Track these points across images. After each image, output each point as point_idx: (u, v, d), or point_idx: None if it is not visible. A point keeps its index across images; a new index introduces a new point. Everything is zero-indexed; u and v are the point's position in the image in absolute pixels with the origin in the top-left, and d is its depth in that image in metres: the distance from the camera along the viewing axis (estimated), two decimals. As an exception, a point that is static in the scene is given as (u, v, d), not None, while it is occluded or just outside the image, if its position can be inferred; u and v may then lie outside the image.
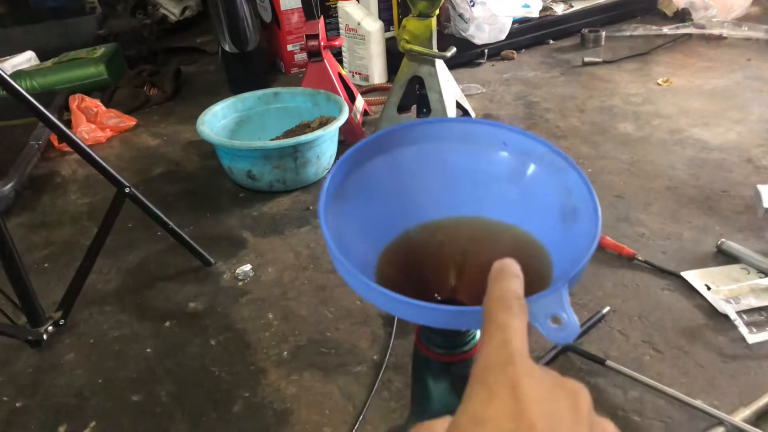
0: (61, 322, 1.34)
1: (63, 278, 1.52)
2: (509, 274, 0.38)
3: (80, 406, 1.17)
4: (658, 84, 2.37)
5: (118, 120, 2.31)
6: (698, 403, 1.02)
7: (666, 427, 1.02)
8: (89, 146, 2.14)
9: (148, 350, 1.29)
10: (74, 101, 2.25)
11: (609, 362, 1.13)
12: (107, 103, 2.41)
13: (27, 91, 1.18)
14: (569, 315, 0.42)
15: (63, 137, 1.25)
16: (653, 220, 1.56)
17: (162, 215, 1.43)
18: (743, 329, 1.18)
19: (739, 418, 0.98)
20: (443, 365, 0.61)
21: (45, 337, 1.27)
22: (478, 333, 0.61)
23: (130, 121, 2.34)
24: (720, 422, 0.98)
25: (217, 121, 1.90)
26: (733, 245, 1.38)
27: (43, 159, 2.16)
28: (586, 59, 2.58)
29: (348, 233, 0.56)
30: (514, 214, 0.60)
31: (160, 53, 3.04)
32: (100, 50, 2.67)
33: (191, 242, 1.50)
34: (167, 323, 1.36)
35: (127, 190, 1.32)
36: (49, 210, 1.87)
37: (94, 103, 2.29)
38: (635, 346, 1.19)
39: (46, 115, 1.20)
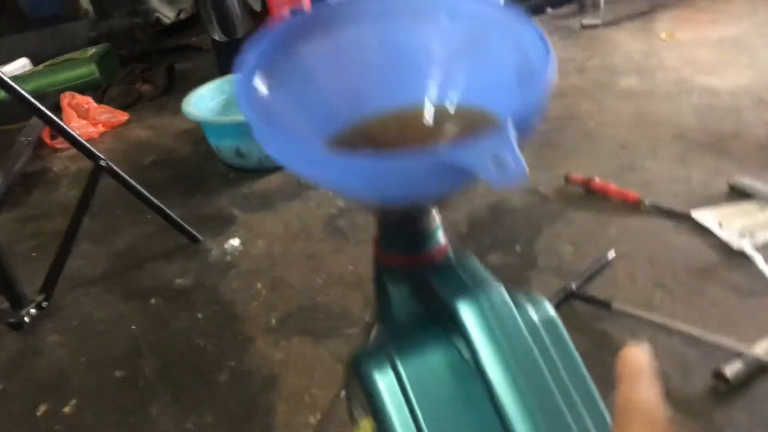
0: (44, 304, 1.29)
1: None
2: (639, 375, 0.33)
3: (61, 385, 1.12)
4: (662, 40, 2.27)
5: (110, 115, 2.28)
6: (715, 336, 0.93)
7: (680, 365, 0.94)
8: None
9: (132, 327, 1.24)
10: (65, 99, 2.23)
11: (615, 305, 1.05)
12: (99, 101, 2.38)
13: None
14: (514, 156, 0.35)
15: (37, 113, 1.20)
16: (660, 166, 1.47)
17: (143, 190, 1.38)
18: (761, 264, 1.09)
19: (760, 349, 0.90)
20: (403, 270, 0.54)
21: (27, 320, 1.23)
22: (440, 231, 0.54)
23: (122, 116, 2.31)
24: (739, 354, 0.90)
25: (204, 103, 1.86)
26: (746, 181, 1.29)
27: (36, 157, 2.13)
28: (585, 22, 2.50)
29: (282, 118, 0.49)
30: (470, 91, 0.53)
31: (153, 53, 3.01)
32: (92, 51, 2.65)
33: (176, 219, 1.45)
34: (153, 300, 1.31)
35: (102, 163, 1.28)
36: (39, 203, 1.83)
37: (86, 100, 2.26)
38: (644, 289, 1.11)
39: (26, 98, 1.16)
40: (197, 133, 2.10)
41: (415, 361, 0.52)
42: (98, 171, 1.27)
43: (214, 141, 1.76)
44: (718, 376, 0.88)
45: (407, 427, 0.50)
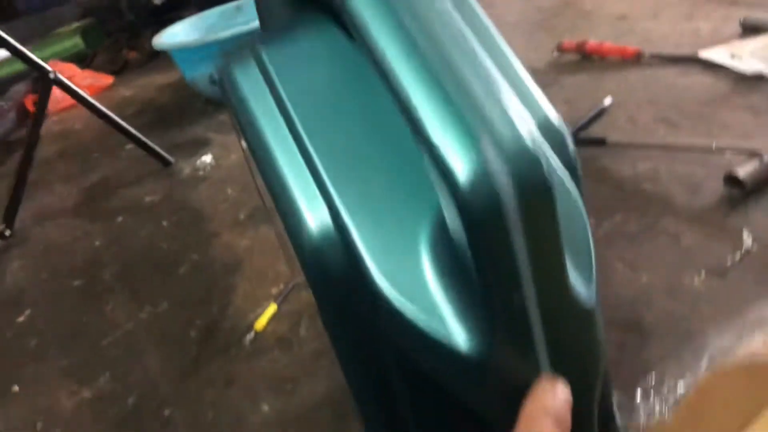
0: (7, 233, 1.22)
1: (21, 209, 1.40)
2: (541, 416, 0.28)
3: (17, 299, 1.04)
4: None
5: (93, 80, 2.22)
6: (725, 141, 0.79)
7: (688, 184, 0.80)
8: (65, 108, 2.08)
9: (96, 243, 1.15)
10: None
11: (611, 139, 0.91)
12: (84, 68, 2.33)
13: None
14: None
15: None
16: (663, 25, 1.32)
17: (101, 107, 1.30)
18: (780, 81, 0.94)
19: (779, 149, 0.76)
20: None
21: (-14, 246, 1.15)
22: None
23: (107, 80, 2.25)
24: (754, 155, 0.76)
25: (176, 39, 1.77)
26: (759, 16, 1.14)
27: (22, 126, 2.08)
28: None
29: None
30: None
31: (140, 26, 2.96)
32: (76, 25, 2.61)
33: (146, 141, 1.36)
34: (120, 218, 1.22)
35: (51, 75, 1.20)
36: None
37: (69, 67, 2.21)
38: (646, 127, 0.97)
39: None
40: (179, 83, 2.02)
41: (285, 50, 0.41)
42: (47, 82, 1.19)
43: (188, 73, 1.67)
44: (731, 180, 0.74)
45: (276, 130, 0.39)
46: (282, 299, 0.82)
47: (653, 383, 0.44)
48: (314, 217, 0.34)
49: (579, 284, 0.31)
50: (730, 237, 0.69)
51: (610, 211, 0.80)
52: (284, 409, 0.65)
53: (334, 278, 0.34)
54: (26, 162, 1.20)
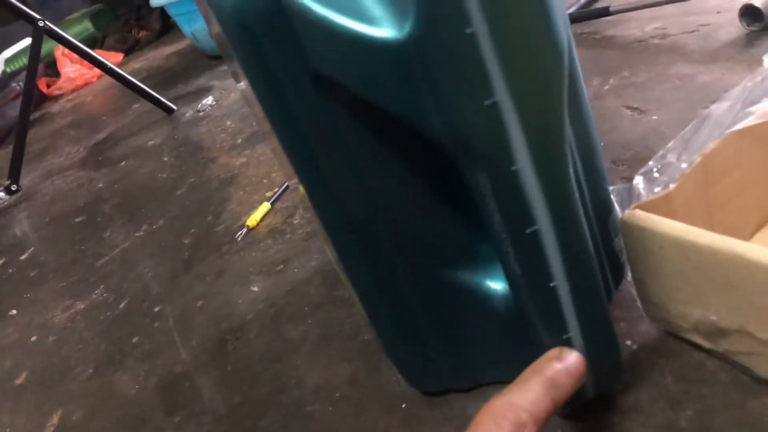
0: (14, 187, 1.21)
1: (32, 170, 1.40)
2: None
3: (22, 241, 1.03)
4: None
5: (104, 58, 2.22)
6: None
7: (700, 35, 0.73)
8: (80, 87, 2.08)
9: (99, 185, 1.14)
10: (59, 49, 2.19)
11: (614, 7, 0.84)
12: (95, 48, 2.33)
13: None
14: None
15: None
16: None
17: (105, 61, 1.29)
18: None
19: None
20: None
21: (-6, 200, 1.15)
22: None
23: (117, 57, 2.26)
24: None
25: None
26: None
27: (38, 108, 2.10)
28: None
29: None
30: None
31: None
32: (85, 10, 2.62)
33: (148, 90, 1.35)
34: (123, 163, 1.20)
35: (40, 23, 1.18)
36: (35, 134, 1.78)
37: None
38: None
39: None
40: (185, 50, 2.01)
41: None
42: (39, 32, 1.18)
43: (188, 29, 1.65)
44: (748, 12, 0.67)
45: None
46: (275, 198, 0.78)
47: (658, 167, 0.38)
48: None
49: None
50: (749, 67, 0.62)
51: (617, 69, 0.73)
52: (274, 287, 0.61)
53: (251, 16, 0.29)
54: (25, 113, 1.19)
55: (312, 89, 0.30)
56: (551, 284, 0.30)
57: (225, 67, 1.57)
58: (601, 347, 0.33)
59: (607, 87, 0.70)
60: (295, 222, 0.72)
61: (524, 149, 0.27)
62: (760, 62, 0.46)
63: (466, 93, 0.26)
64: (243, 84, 0.37)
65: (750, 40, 0.67)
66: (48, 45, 2.42)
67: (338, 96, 0.30)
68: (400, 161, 0.33)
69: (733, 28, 0.70)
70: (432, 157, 0.33)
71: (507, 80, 0.25)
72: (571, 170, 0.29)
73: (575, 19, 0.89)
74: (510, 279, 0.32)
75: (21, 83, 1.98)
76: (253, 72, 0.31)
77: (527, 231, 0.29)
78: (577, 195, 0.29)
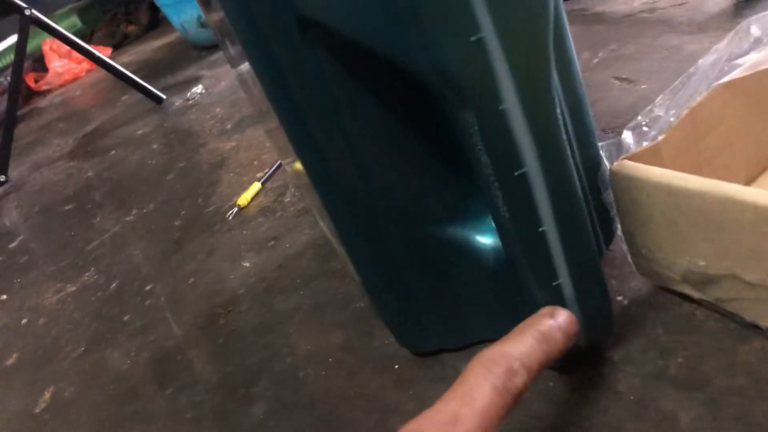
0: (2, 178, 1.20)
1: (20, 163, 1.39)
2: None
3: (10, 230, 1.02)
4: None
5: (92, 52, 2.20)
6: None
7: (688, 8, 0.73)
8: (68, 82, 2.07)
9: (89, 174, 1.13)
10: (46, 44, 2.17)
11: (604, -18, 0.84)
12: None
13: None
14: None
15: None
16: None
17: (94, 50, 1.28)
18: None
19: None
20: None
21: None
22: None
23: (105, 51, 2.23)
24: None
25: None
26: None
27: (26, 103, 2.08)
28: None
29: None
30: None
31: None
32: (72, 6, 2.60)
33: (137, 80, 1.34)
34: (113, 152, 1.19)
35: (27, 12, 1.17)
36: (24, 129, 1.76)
37: (66, 43, 2.20)
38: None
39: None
40: (175, 42, 2.00)
41: None
42: (26, 21, 1.17)
43: (176, 20, 1.64)
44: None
45: None
46: (266, 178, 0.78)
47: (646, 121, 0.38)
48: None
49: None
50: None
51: (606, 43, 0.73)
52: (265, 262, 0.61)
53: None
54: (13, 103, 1.18)
55: (298, 37, 0.29)
56: (540, 229, 0.30)
57: (214, 57, 1.56)
58: (591, 294, 0.33)
59: (596, 60, 0.70)
60: (286, 200, 0.72)
61: (511, 88, 0.27)
62: (746, 30, 0.46)
63: (451, 29, 0.25)
64: (240, 67, 0.37)
65: (738, 11, 0.67)
66: (36, 40, 2.41)
67: (325, 43, 0.30)
68: (389, 115, 0.33)
69: (720, 0, 0.70)
70: (421, 111, 0.33)
71: (492, 16, 0.25)
72: (558, 112, 0.29)
73: (563, -3, 0.89)
74: (499, 225, 0.32)
75: (8, 78, 1.97)
76: (241, 25, 0.31)
77: (516, 173, 0.29)
78: (565, 138, 0.29)
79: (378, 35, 0.27)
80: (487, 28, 0.25)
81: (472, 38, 0.25)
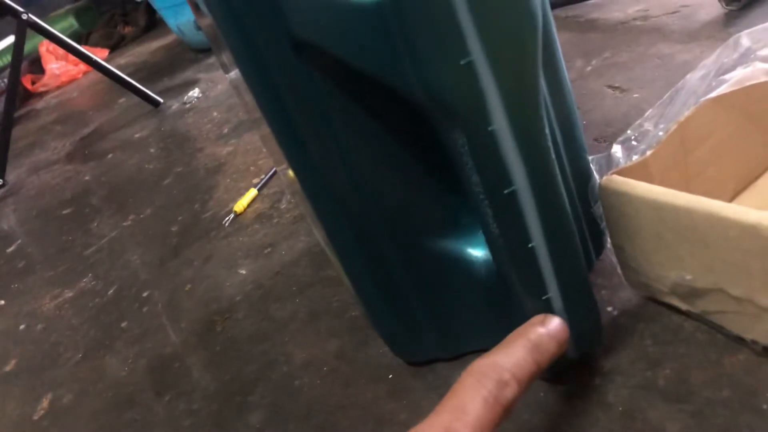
0: (-1, 181, 1.20)
1: (17, 165, 1.39)
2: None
3: (8, 234, 1.03)
4: None
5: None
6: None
7: (681, 16, 0.74)
8: (65, 83, 2.07)
9: (86, 178, 1.13)
10: (43, 45, 2.17)
11: (599, -11, 0.85)
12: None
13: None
14: None
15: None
16: None
17: (90, 54, 1.29)
18: None
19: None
20: None
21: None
22: None
23: (102, 53, 2.24)
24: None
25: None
26: None
27: (22, 105, 2.08)
28: None
29: None
30: None
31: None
32: (69, 7, 2.60)
33: (134, 83, 1.34)
34: (110, 156, 1.20)
35: (24, 17, 1.17)
36: (21, 131, 1.76)
37: (63, 45, 2.20)
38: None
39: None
40: (172, 44, 2.00)
41: None
42: (23, 25, 1.17)
43: (173, 22, 1.64)
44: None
45: None
46: (262, 184, 0.79)
47: (635, 135, 0.39)
48: None
49: None
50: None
51: (600, 51, 0.74)
52: (261, 269, 0.62)
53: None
54: (9, 106, 1.18)
55: (293, 57, 0.30)
56: (530, 245, 0.31)
57: (211, 60, 1.57)
58: (580, 307, 0.34)
59: (589, 68, 0.71)
60: (282, 207, 0.72)
61: (500, 109, 0.27)
62: (734, 46, 0.47)
63: (442, 53, 0.26)
64: (232, 74, 0.37)
65: (729, 20, 0.68)
66: (32, 42, 2.40)
67: (319, 63, 0.30)
68: (382, 129, 0.34)
69: (712, 8, 0.71)
70: (413, 126, 0.34)
71: (482, 40, 0.26)
72: (547, 132, 0.29)
73: (560, 3, 0.90)
74: (489, 241, 0.33)
75: (5, 80, 1.97)
76: (235, 43, 0.31)
77: (505, 191, 0.29)
78: (554, 157, 0.30)
79: (370, 58, 0.28)
80: (477, 52, 0.26)
81: (462, 62, 0.26)
